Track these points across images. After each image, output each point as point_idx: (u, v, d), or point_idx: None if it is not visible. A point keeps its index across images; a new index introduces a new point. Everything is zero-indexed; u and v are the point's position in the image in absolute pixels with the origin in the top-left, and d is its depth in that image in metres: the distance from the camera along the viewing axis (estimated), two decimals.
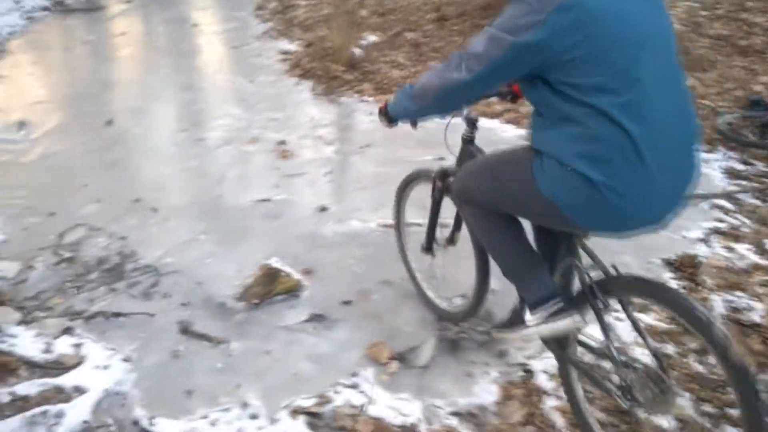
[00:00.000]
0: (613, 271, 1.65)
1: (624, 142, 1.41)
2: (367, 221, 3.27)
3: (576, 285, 1.79)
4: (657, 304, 1.62)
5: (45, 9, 7.76)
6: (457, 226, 2.36)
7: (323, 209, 3.43)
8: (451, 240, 2.39)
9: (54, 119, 4.72)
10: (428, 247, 2.51)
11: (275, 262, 2.97)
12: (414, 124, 2.06)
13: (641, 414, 1.68)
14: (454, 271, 2.51)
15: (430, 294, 2.59)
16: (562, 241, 1.79)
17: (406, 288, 2.72)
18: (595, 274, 1.68)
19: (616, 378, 1.66)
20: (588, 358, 1.83)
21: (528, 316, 1.83)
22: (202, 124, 4.60)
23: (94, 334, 2.51)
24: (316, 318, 2.63)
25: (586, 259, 1.76)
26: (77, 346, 2.44)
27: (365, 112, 4.97)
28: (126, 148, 4.26)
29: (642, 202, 1.48)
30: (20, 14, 7.36)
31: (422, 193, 2.49)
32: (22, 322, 2.56)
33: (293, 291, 2.80)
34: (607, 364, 1.74)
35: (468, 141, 2.14)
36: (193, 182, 3.80)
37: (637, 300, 1.68)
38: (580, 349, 1.83)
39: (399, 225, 2.70)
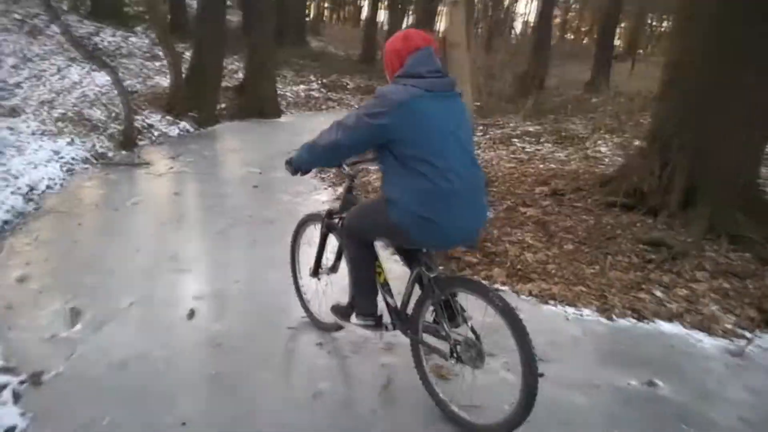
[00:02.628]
0: (442, 273, 2.64)
1: (440, 194, 2.32)
2: None
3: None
4: (468, 292, 2.49)
5: (85, 161, 6.95)
6: (338, 258, 3.16)
7: None
8: (333, 268, 3.22)
9: (120, 313, 3.60)
10: (315, 272, 3.30)
11: None
12: (303, 173, 2.70)
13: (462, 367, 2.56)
14: (335, 290, 3.30)
15: (314, 309, 3.44)
16: (414, 255, 2.66)
17: None
18: (433, 275, 2.58)
19: (447, 346, 2.55)
20: (428, 338, 2.65)
21: (353, 318, 2.91)
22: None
23: None
24: None
25: None
26: None
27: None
28: (222, 361, 3.12)
29: (456, 230, 2.42)
30: (60, 165, 6.50)
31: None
32: None
33: None
34: (442, 338, 2.57)
35: (348, 191, 3.03)
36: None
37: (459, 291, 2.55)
38: (425, 334, 2.68)
39: (294, 258, 3.53)
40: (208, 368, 3.02)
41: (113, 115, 8.77)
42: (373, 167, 3.07)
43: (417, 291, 2.70)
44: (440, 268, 2.68)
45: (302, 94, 14.48)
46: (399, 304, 2.80)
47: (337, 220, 3.06)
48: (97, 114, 8.61)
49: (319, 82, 15.73)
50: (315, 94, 14.82)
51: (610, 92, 16.37)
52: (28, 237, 4.61)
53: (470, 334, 2.47)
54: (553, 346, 3.59)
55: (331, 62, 19.48)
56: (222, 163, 7.78)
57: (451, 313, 2.56)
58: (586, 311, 4.07)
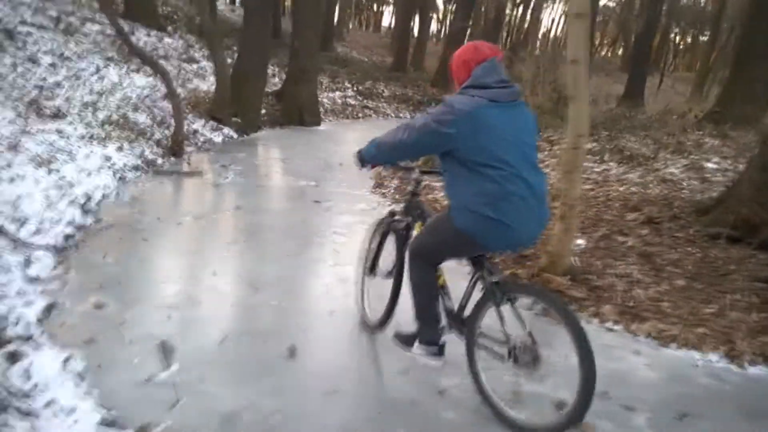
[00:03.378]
0: (503, 277, 2.71)
1: (507, 196, 2.41)
2: None
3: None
4: (529, 296, 2.67)
5: (136, 168, 6.60)
6: (395, 265, 3.22)
7: None
8: (390, 274, 3.26)
9: (215, 350, 3.23)
10: (371, 270, 3.44)
11: None
12: (371, 166, 2.92)
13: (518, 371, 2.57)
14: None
15: (366, 308, 3.51)
16: (476, 259, 2.72)
17: None
18: (494, 279, 2.63)
19: (504, 350, 2.57)
20: (484, 340, 2.70)
21: (416, 346, 2.87)
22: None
23: None
24: None
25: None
26: None
27: (630, 351, 3.59)
28: (343, 413, 2.74)
29: (521, 232, 2.49)
30: (112, 173, 6.16)
31: None
32: None
33: None
34: (500, 341, 2.61)
35: (414, 194, 3.15)
36: None
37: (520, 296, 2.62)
38: (481, 337, 2.72)
39: (366, 259, 3.50)
40: (330, 422, 2.63)
41: (158, 119, 8.45)
42: (437, 181, 3.10)
43: (476, 295, 2.77)
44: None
45: (339, 101, 14.15)
46: (456, 307, 2.86)
47: (398, 223, 3.20)
48: (142, 118, 8.29)
49: (355, 89, 15.40)
50: (351, 101, 14.49)
51: (646, 108, 15.96)
52: (95, 254, 4.25)
53: (527, 339, 2.52)
54: (689, 399, 3.20)
55: (362, 69, 19.18)
56: (275, 174, 7.42)
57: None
58: (713, 357, 3.68)
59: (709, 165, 8.46)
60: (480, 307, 2.69)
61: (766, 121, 13.21)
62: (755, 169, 4.76)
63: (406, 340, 2.97)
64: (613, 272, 4.43)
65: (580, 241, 4.91)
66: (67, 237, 4.42)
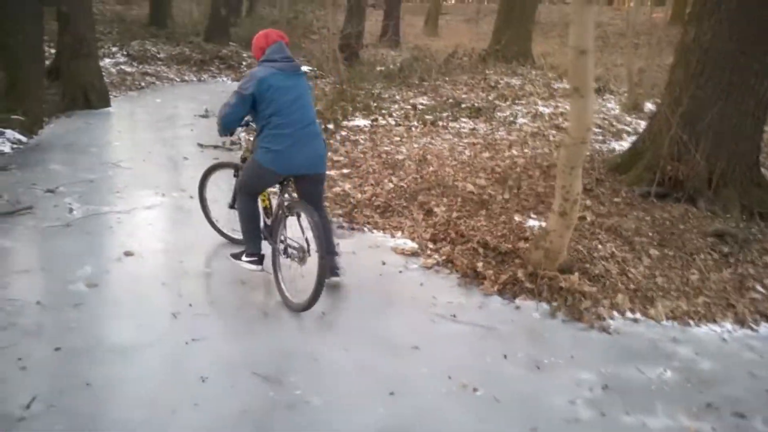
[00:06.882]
0: (294, 200, 3.77)
1: (287, 136, 3.55)
2: None
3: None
4: (306, 213, 3.58)
5: None
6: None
7: None
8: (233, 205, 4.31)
9: None
10: (232, 205, 4.27)
11: None
12: (230, 134, 3.89)
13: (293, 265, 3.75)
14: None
15: (226, 231, 4.64)
16: (282, 190, 3.82)
17: None
18: (287, 202, 3.78)
19: (284, 248, 3.79)
20: (281, 245, 3.81)
21: (243, 258, 3.93)
22: None
23: None
24: None
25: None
26: None
27: (670, 340, 3.68)
28: None
29: (297, 158, 3.60)
30: None
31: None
32: None
33: None
34: (287, 245, 3.79)
35: (248, 150, 4.17)
36: None
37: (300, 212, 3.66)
38: (280, 243, 3.81)
39: (203, 196, 4.65)
40: None
41: None
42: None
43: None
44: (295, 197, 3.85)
45: (113, 70, 11.77)
46: (270, 222, 4.02)
47: (228, 167, 4.46)
48: None
49: (124, 53, 12.94)
50: (127, 68, 12.18)
51: (404, 49, 16.45)
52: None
53: (304, 243, 3.65)
54: (762, 384, 3.32)
55: (122, 26, 16.27)
56: (128, 191, 5.76)
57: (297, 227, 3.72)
58: (727, 325, 3.93)
59: (544, 110, 9.06)
60: (279, 220, 3.79)
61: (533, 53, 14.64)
62: (679, 127, 5.08)
63: (236, 256, 4.01)
64: (598, 255, 4.42)
65: (540, 224, 4.82)
66: None
